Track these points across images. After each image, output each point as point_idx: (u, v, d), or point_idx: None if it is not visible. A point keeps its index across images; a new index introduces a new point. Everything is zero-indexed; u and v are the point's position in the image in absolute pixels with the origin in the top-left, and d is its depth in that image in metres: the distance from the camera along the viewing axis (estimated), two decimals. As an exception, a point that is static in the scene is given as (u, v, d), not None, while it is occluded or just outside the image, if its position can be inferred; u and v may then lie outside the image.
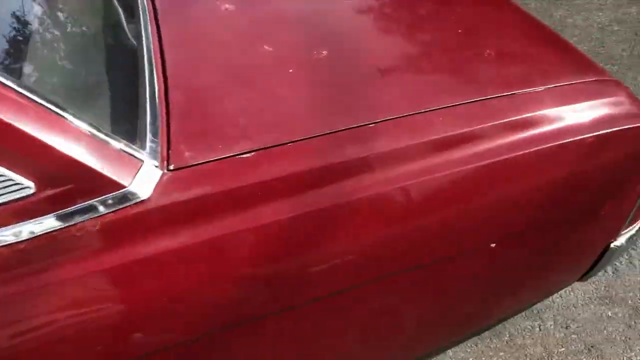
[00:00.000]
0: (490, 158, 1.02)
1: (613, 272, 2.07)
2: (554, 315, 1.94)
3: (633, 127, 1.14)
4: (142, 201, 0.88)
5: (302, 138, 0.99)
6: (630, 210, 1.23)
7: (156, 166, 0.93)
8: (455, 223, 1.03)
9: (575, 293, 2.01)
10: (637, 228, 1.33)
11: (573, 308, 1.96)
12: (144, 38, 1.24)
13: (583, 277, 1.41)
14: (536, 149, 1.05)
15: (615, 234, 1.28)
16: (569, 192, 1.11)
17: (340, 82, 1.13)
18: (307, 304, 1.00)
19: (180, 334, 0.94)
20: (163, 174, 0.93)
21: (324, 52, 1.20)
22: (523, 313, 1.94)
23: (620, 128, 1.12)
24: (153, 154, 0.95)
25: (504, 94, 1.10)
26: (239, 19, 1.36)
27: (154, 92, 1.07)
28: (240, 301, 0.94)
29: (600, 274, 2.06)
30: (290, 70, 1.16)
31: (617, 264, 2.10)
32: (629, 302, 1.97)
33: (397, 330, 1.16)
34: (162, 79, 1.12)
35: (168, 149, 0.97)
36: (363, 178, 0.97)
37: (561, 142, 1.06)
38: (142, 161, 0.92)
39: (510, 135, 1.04)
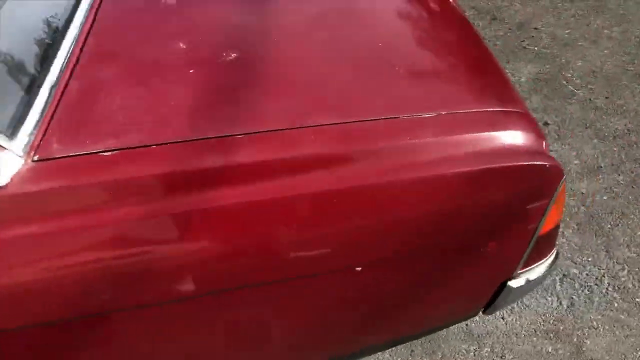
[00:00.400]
0: (353, 182, 1.02)
1: (568, 306, 2.01)
2: (492, 342, 1.91)
3: (525, 165, 1.10)
4: (-1, 187, 0.94)
5: (167, 142, 1.02)
6: (524, 249, 1.19)
7: (20, 156, 0.98)
8: (312, 242, 1.04)
9: (521, 322, 1.97)
10: (541, 270, 1.29)
11: (515, 337, 1.92)
12: (73, 27, 1.29)
13: (486, 311, 1.38)
14: (404, 177, 1.03)
15: (511, 273, 1.25)
16: (444, 224, 1.10)
17: (231, 89, 1.14)
18: (158, 305, 1.04)
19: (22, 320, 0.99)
20: (25, 164, 0.98)
21: (232, 55, 1.22)
22: (462, 335, 1.92)
23: (510, 164, 1.09)
24: (21, 143, 1.00)
25: (387, 117, 1.09)
26: (173, 14, 1.39)
27: (54, 82, 1.12)
28: (79, 295, 0.98)
29: (554, 305, 2.01)
30: (191, 71, 1.18)
31: (574, 297, 2.04)
32: (574, 340, 1.91)
33: (256, 344, 1.18)
34: (70, 69, 1.17)
35: (41, 139, 1.02)
36: (220, 188, 0.99)
37: (434, 173, 1.05)
38: (5, 149, 0.97)
39: (376, 161, 1.04)
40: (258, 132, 1.05)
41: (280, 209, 1.01)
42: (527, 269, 1.26)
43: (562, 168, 1.16)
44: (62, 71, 1.15)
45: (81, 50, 1.23)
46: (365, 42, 1.30)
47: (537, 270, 1.29)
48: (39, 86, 1.11)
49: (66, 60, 1.18)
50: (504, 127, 1.13)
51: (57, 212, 0.96)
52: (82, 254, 0.96)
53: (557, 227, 1.25)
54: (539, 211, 1.15)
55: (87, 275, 0.97)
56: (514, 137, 1.12)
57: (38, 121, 1.05)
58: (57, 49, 1.21)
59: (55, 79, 1.13)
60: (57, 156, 0.99)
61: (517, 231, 1.17)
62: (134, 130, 1.04)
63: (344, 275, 1.10)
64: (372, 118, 1.09)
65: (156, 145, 1.02)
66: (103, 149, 1.00)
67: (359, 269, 1.08)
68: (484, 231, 1.14)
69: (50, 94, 1.10)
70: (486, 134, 1.11)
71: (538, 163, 1.12)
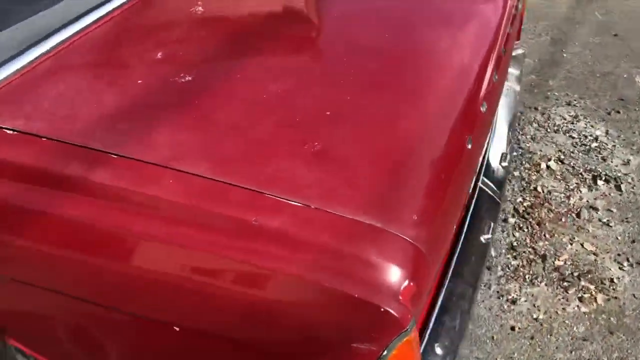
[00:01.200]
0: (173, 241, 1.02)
1: None
2: None
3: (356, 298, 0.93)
4: None
5: (54, 138, 1.12)
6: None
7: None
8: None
9: None
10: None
11: None
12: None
13: None
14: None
15: None
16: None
17: (150, 102, 1.24)
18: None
19: None
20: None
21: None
22: None
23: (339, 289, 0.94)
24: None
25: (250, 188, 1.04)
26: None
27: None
28: None
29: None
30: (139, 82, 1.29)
31: None
32: None
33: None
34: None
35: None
36: (61, 195, 1.06)
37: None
38: None
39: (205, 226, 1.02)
40: (128, 157, 1.09)
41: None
42: None
43: (404, 322, 0.93)
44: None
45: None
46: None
47: None
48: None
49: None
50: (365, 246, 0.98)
51: None
52: None
53: None
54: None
55: None
56: (366, 262, 0.97)
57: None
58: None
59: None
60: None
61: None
62: (45, 120, 1.17)
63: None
64: (233, 183, 1.05)
65: (45, 138, 1.12)
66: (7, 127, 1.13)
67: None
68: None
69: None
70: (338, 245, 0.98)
71: (373, 302, 0.92)
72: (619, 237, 2.27)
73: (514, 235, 2.29)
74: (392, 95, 1.33)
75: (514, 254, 2.21)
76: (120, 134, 1.14)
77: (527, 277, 2.13)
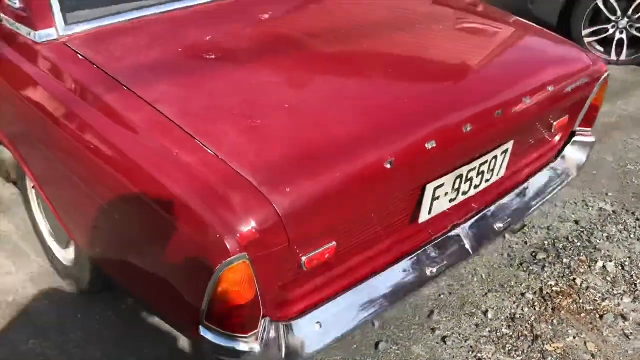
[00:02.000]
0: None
1: None
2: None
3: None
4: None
5: (98, 65, 1.64)
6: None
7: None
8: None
9: None
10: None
11: None
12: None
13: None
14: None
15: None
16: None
17: None
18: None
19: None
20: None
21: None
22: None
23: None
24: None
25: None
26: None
27: None
28: None
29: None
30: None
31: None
32: None
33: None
34: None
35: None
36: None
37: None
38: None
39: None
40: (131, 90, 1.57)
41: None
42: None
43: (231, 252, 1.25)
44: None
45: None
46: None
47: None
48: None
49: None
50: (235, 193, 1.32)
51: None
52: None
53: None
54: None
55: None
56: (229, 203, 1.30)
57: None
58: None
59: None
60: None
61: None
62: (104, 57, 1.69)
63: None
64: (182, 127, 1.47)
65: (96, 66, 1.64)
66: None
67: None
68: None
69: None
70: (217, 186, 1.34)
71: (215, 228, 1.25)
72: (630, 352, 2.14)
73: (522, 309, 2.29)
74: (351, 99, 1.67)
75: (510, 323, 2.22)
76: (141, 78, 1.62)
77: (507, 347, 2.13)
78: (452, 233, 1.87)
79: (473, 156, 1.74)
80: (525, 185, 2.14)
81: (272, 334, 1.42)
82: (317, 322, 1.53)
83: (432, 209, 1.73)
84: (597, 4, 4.52)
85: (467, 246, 1.88)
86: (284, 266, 1.40)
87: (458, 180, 1.74)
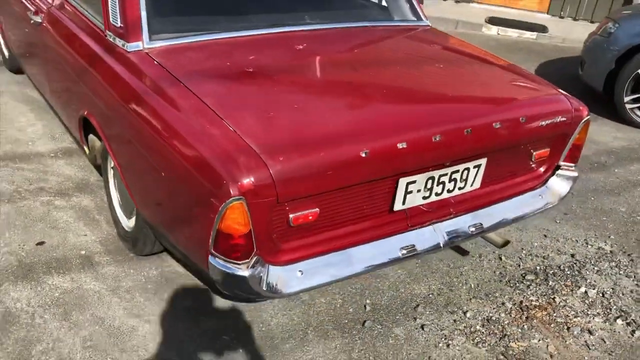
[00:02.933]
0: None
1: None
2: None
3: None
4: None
5: (167, 69, 2.23)
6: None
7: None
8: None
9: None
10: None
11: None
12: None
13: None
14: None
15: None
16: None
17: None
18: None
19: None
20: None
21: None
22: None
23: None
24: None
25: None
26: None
27: None
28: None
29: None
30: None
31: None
32: None
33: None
34: None
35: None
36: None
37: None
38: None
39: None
40: (190, 90, 2.18)
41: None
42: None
43: (232, 192, 1.76)
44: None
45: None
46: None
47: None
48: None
49: None
50: (241, 154, 1.84)
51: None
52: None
53: None
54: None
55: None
56: (236, 160, 1.82)
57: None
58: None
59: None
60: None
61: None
62: (175, 65, 2.28)
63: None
64: (217, 112, 2.01)
65: (166, 69, 2.24)
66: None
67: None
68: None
69: None
70: (230, 148, 1.86)
71: (221, 172, 1.79)
72: (587, 359, 2.41)
73: (499, 314, 2.61)
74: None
75: (485, 323, 2.55)
76: (195, 79, 2.19)
77: (476, 339, 2.46)
78: (428, 227, 2.29)
79: (443, 163, 2.17)
80: (506, 202, 2.52)
81: (260, 268, 1.90)
82: (300, 270, 1.99)
83: (406, 200, 2.16)
84: (638, 73, 4.81)
85: (439, 241, 2.28)
86: (275, 216, 1.88)
87: (430, 181, 2.17)
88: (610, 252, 3.17)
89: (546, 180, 2.67)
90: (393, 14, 3.21)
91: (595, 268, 3.02)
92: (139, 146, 2.21)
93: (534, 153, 2.52)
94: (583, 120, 2.58)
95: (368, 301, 2.65)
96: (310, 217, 1.95)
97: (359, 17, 3.07)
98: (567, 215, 3.50)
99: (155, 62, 2.29)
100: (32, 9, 3.26)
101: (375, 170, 2.01)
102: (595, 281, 2.90)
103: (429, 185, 2.18)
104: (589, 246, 3.21)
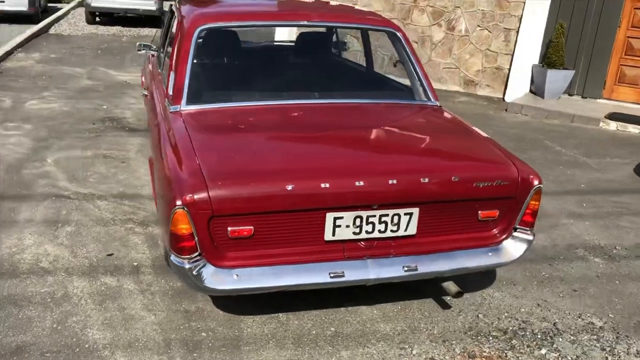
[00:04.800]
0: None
1: None
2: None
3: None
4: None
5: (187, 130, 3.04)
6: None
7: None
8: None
9: None
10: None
11: None
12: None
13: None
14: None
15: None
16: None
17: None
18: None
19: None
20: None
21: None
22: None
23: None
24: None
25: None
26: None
27: None
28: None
29: None
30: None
31: None
32: None
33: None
34: None
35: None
36: None
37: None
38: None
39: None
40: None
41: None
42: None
43: (179, 202, 2.56)
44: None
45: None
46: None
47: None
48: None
49: None
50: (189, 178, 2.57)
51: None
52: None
53: None
54: None
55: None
56: (186, 181, 2.56)
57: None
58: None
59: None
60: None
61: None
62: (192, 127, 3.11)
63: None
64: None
65: (184, 130, 3.05)
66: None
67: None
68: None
69: None
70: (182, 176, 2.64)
71: (176, 191, 2.57)
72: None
73: (442, 356, 2.87)
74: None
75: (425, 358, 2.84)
76: (196, 130, 2.98)
77: (410, 371, 2.76)
78: (362, 261, 2.73)
79: (370, 205, 2.64)
80: (450, 253, 2.86)
81: (201, 265, 2.53)
82: (236, 274, 2.58)
83: (335, 233, 2.66)
84: None
85: (370, 275, 2.71)
86: (214, 227, 2.52)
87: (358, 220, 2.65)
88: (600, 327, 3.21)
89: (501, 240, 2.94)
90: (407, 94, 3.76)
91: (572, 337, 3.10)
92: (156, 170, 3.05)
93: (480, 212, 2.85)
94: (534, 188, 2.86)
95: (333, 329, 3.09)
96: (246, 233, 2.55)
97: (372, 95, 3.69)
98: (575, 292, 3.57)
99: (181, 118, 3.13)
100: (142, 80, 4.41)
101: (301, 203, 2.57)
102: (562, 347, 3.00)
103: (357, 223, 2.66)
104: (579, 319, 3.27)
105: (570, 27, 8.78)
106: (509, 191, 2.83)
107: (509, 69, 9.19)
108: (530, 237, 2.96)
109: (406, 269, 2.75)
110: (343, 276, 2.67)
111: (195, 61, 3.52)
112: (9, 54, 10.89)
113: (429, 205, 2.75)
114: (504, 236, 2.95)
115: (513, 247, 2.93)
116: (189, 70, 3.31)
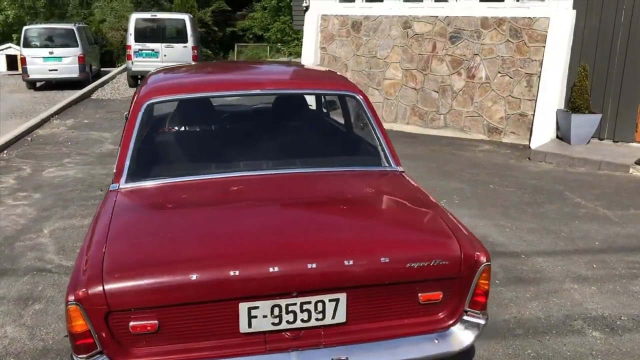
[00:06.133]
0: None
1: None
2: None
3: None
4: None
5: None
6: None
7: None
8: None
9: None
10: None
11: None
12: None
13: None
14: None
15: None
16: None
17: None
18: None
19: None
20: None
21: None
22: None
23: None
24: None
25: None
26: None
27: None
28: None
29: None
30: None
31: None
32: None
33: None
34: None
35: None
36: None
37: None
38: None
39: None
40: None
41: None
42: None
43: (72, 298, 2.27)
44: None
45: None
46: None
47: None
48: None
49: None
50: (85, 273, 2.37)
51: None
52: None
53: None
54: None
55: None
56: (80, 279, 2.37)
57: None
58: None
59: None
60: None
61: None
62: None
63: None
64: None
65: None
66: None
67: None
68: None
69: None
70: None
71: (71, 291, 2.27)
72: None
73: None
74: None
75: None
76: (120, 212, 2.85)
77: None
78: (287, 354, 2.48)
79: (289, 293, 2.40)
80: (390, 341, 2.56)
81: (103, 362, 2.35)
82: (141, 372, 2.38)
83: (252, 324, 2.42)
84: None
85: (296, 370, 2.45)
86: (114, 322, 2.34)
87: (277, 309, 2.42)
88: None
89: (449, 326, 2.63)
90: (372, 160, 3.52)
91: None
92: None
93: (420, 295, 2.56)
94: (482, 267, 2.56)
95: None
96: (149, 328, 2.36)
97: (331, 163, 3.47)
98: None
99: (114, 199, 3.02)
100: None
101: (208, 294, 2.37)
102: None
103: (276, 313, 2.42)
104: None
105: (595, 68, 8.37)
106: (451, 271, 2.54)
107: (533, 115, 8.80)
108: (482, 321, 2.63)
109: None
110: None
111: (150, 135, 3.44)
112: (45, 120, 11.38)
113: (357, 289, 2.49)
114: (451, 320, 2.63)
115: (462, 333, 2.61)
116: (131, 147, 3.22)
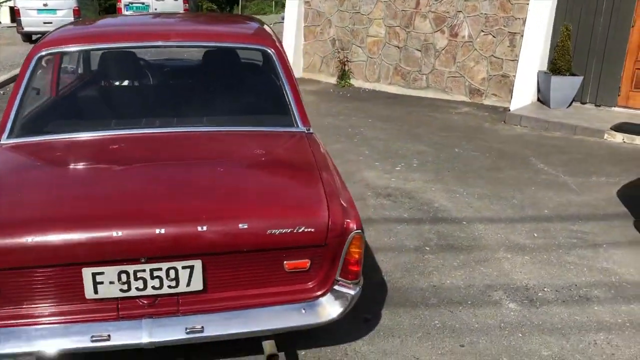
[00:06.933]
0: None
1: None
2: None
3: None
4: None
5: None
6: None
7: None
8: None
9: None
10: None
11: None
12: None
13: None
14: None
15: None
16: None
17: None
18: None
19: None
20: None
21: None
22: None
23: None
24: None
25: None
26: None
27: None
28: None
29: None
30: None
31: None
32: None
33: None
34: None
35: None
36: None
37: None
38: None
39: None
40: None
41: None
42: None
43: None
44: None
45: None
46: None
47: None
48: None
49: None
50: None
51: None
52: None
53: None
54: None
55: None
56: None
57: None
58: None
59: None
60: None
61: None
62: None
63: None
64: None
65: None
66: None
67: None
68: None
69: None
70: None
71: None
72: None
73: None
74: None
75: None
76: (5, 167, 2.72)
77: None
78: (137, 321, 2.36)
79: (137, 259, 2.27)
80: (250, 311, 2.43)
81: None
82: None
83: (98, 291, 2.30)
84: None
85: (143, 337, 2.32)
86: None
87: (124, 275, 2.29)
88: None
89: (318, 296, 2.49)
90: (281, 120, 3.32)
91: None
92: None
93: (286, 263, 2.42)
94: (351, 235, 2.40)
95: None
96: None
97: (236, 122, 3.30)
98: (461, 348, 3.03)
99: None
100: None
101: (48, 257, 2.24)
102: None
103: (123, 279, 2.29)
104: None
105: (579, 29, 7.99)
106: (317, 239, 2.38)
107: (515, 77, 8.47)
108: (352, 292, 2.48)
109: (188, 330, 2.35)
110: (108, 340, 2.31)
111: (45, 89, 3.29)
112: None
113: (215, 256, 2.35)
114: (322, 291, 2.48)
115: (331, 304, 2.47)
116: (17, 102, 3.06)
